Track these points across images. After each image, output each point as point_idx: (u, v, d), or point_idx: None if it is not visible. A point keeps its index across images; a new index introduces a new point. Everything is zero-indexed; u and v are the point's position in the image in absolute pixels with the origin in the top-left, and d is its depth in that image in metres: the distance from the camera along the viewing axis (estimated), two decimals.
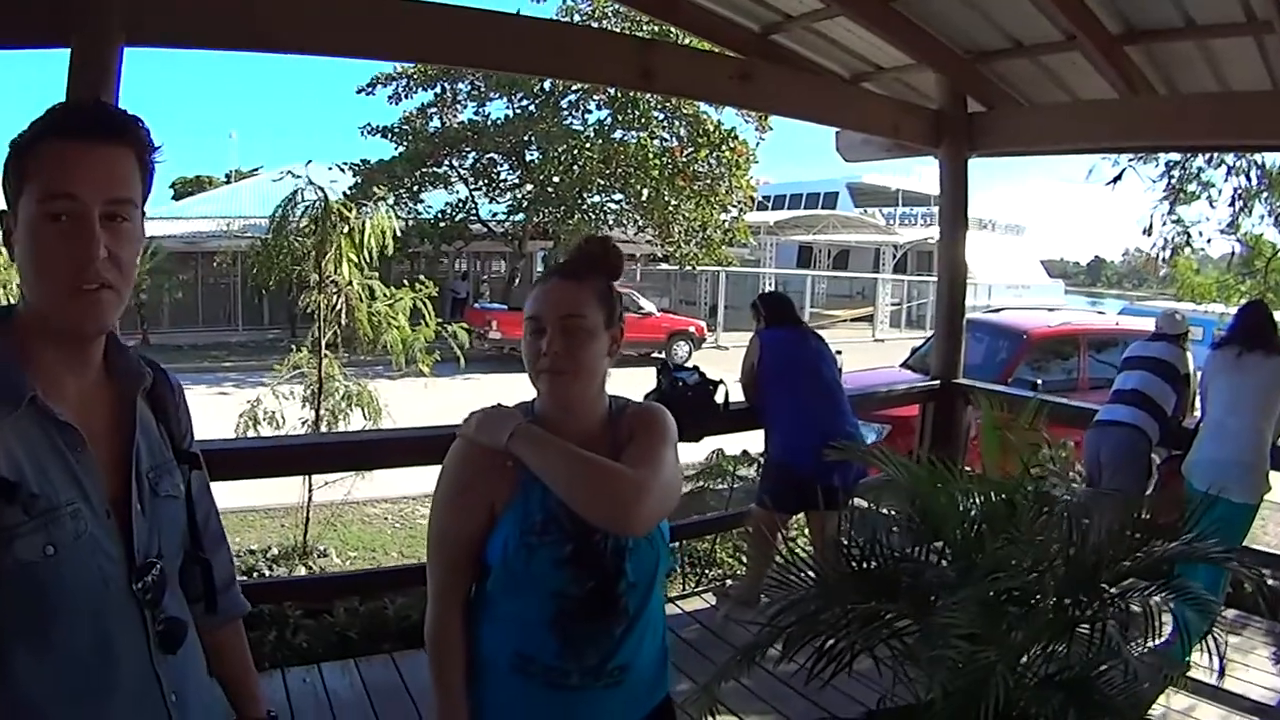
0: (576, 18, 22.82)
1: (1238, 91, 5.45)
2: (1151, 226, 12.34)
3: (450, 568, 2.01)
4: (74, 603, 1.39)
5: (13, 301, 1.55)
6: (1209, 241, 12.81)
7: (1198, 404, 5.45)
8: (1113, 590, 2.47)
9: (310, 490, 8.10)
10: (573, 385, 1.96)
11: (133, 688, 1.48)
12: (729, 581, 5.89)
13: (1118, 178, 11.29)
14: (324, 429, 8.25)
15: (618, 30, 19.31)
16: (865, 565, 2.71)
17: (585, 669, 1.95)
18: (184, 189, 43.20)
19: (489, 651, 2.00)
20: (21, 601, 1.35)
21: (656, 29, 15.72)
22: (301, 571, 7.52)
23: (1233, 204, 11.80)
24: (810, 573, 2.76)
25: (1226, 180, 11.58)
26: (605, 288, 2.03)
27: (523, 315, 2.02)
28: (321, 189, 8.67)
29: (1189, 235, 12.38)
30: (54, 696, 1.39)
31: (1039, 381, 8.87)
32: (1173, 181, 11.78)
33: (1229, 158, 10.97)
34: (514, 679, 1.96)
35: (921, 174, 37.19)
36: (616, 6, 20.02)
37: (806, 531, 5.49)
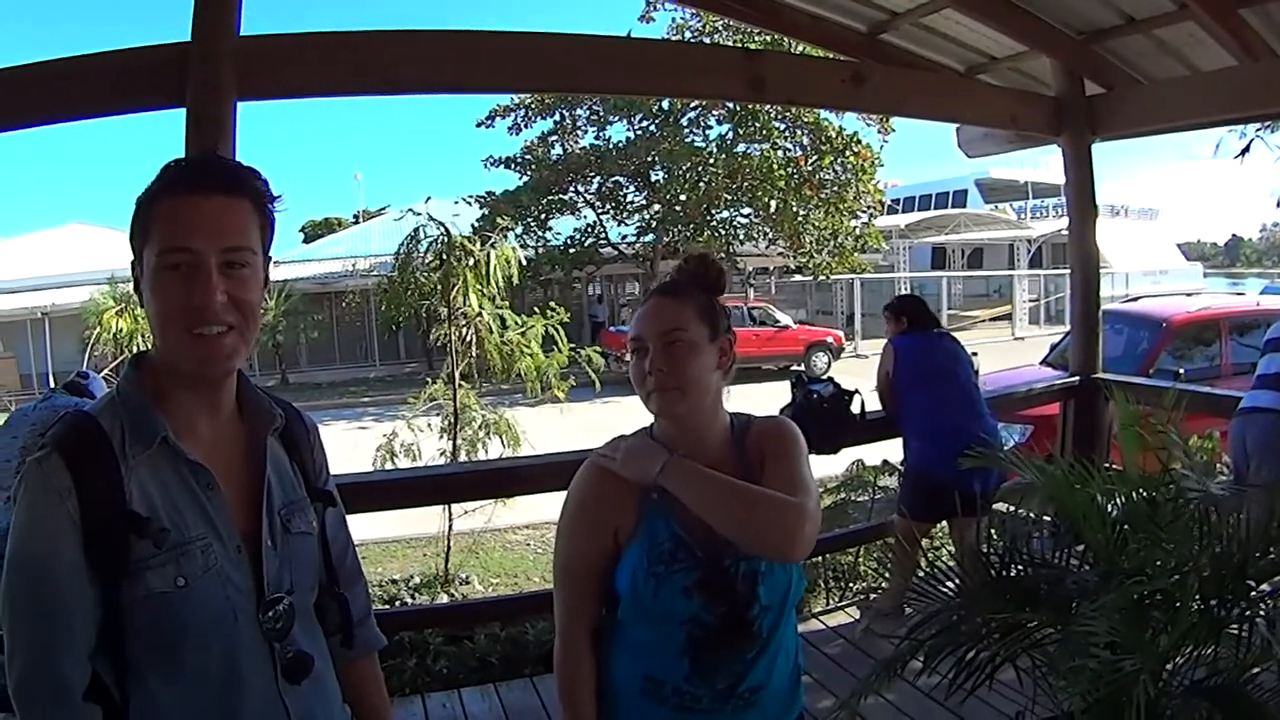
0: (687, 34, 22.85)
1: None
2: None
3: (577, 594, 2.02)
4: (204, 631, 1.46)
5: (145, 348, 1.63)
6: None
7: None
8: (1262, 587, 2.37)
9: (450, 519, 8.25)
10: (681, 402, 1.94)
11: (260, 715, 1.54)
12: (872, 595, 5.78)
13: (1245, 150, 10.77)
14: (462, 458, 8.39)
15: (730, 44, 19.26)
16: (1005, 573, 2.65)
17: (716, 693, 1.92)
18: (314, 232, 44.95)
19: (619, 676, 2.00)
20: (156, 629, 1.43)
21: (769, 39, 15.62)
22: (444, 599, 7.69)
23: None
24: (950, 583, 2.71)
25: None
26: (707, 302, 2.01)
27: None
28: (443, 224, 8.86)
29: None
30: (186, 718, 1.47)
31: (1181, 370, 8.51)
32: None
33: None
34: (644, 703, 1.96)
35: (1049, 164, 36.38)
36: (727, 20, 19.97)
37: (950, 540, 5.37)
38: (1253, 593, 2.35)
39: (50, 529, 1.38)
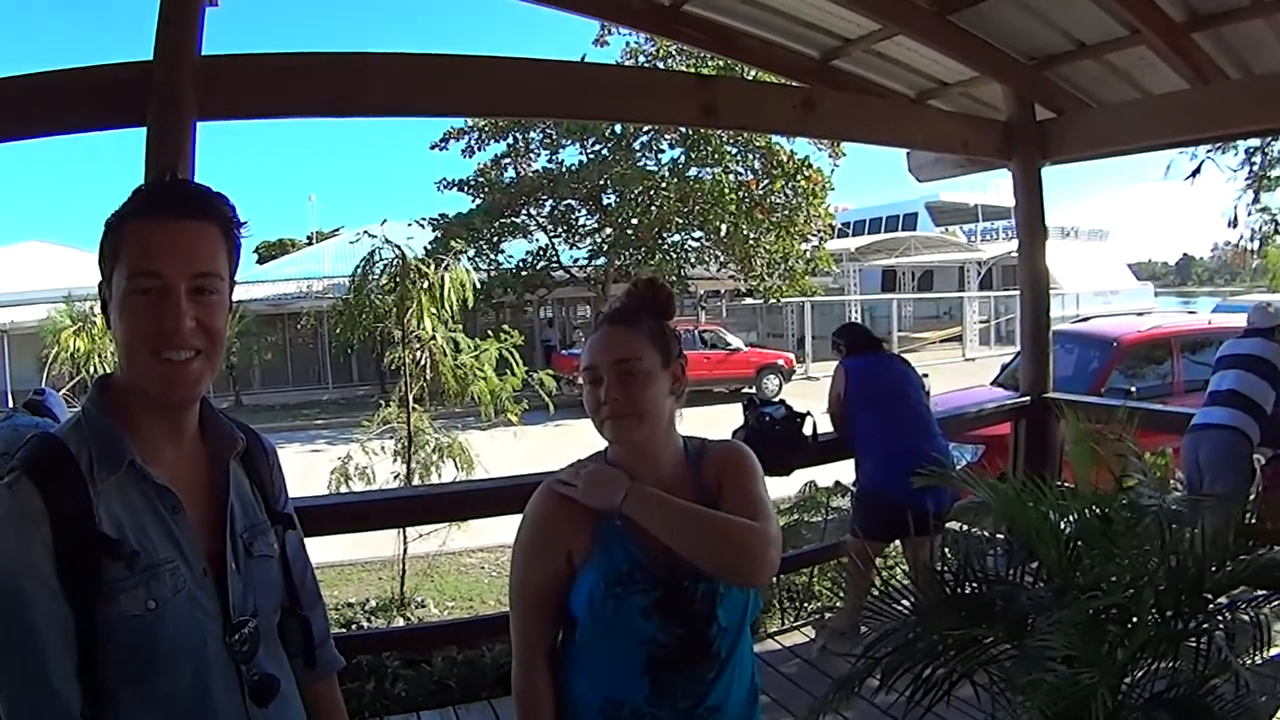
0: (641, 59, 22.94)
1: None
2: (1237, 217, 12.06)
3: (533, 617, 2.02)
4: (175, 653, 1.46)
5: (109, 370, 1.63)
6: None
7: None
8: (1219, 600, 2.39)
9: (405, 543, 8.19)
10: (637, 428, 1.95)
11: None
12: (827, 614, 5.81)
13: (1196, 171, 11.01)
14: (415, 482, 8.35)
15: (684, 69, 19.36)
16: (959, 590, 2.67)
17: (676, 712, 1.93)
18: (267, 253, 44.45)
19: (578, 698, 1.99)
20: (128, 651, 1.42)
21: (722, 65, 15.73)
22: (400, 622, 7.63)
23: None
24: (905, 601, 2.74)
25: None
26: (658, 328, 2.02)
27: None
28: (399, 247, 8.84)
29: (1277, 222, 12.07)
30: None
31: (1133, 389, 8.62)
32: (1254, 169, 11.52)
33: None
34: None
35: (999, 187, 36.68)
36: (680, 45, 20.07)
37: (904, 559, 5.40)
38: (1210, 605, 2.37)
39: (25, 553, 1.37)
